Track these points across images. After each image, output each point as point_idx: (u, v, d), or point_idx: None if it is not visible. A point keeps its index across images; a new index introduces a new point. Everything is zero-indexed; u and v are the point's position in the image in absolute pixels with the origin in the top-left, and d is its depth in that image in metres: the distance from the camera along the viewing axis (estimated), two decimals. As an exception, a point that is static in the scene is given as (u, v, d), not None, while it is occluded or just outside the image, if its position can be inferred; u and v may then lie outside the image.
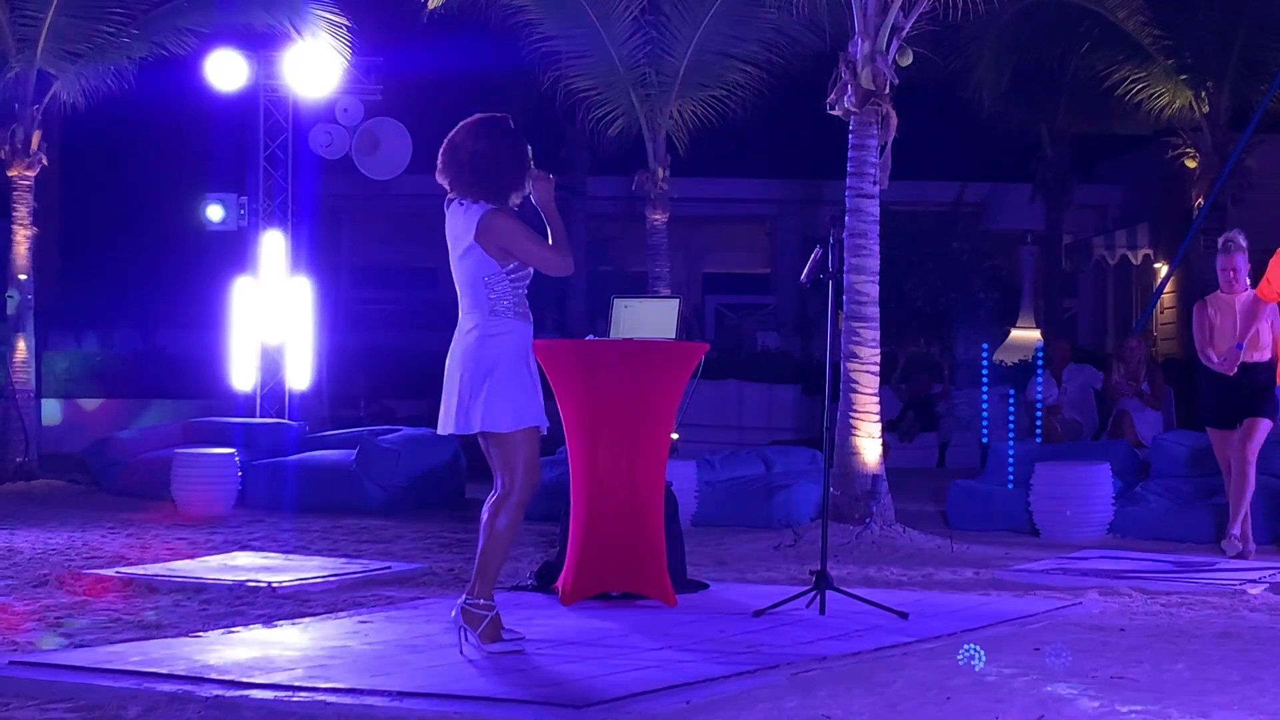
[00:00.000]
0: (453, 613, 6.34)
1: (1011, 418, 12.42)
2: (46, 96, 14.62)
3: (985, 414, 13.93)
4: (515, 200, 6.45)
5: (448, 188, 6.46)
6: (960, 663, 6.11)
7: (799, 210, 26.75)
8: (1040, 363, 13.03)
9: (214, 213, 15.76)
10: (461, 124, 6.49)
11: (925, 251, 21.25)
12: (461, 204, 6.40)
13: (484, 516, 6.43)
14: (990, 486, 11.64)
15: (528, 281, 6.45)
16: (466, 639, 6.27)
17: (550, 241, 6.43)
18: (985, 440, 13.64)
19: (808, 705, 5.38)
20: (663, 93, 14.83)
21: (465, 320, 6.41)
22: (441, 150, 6.47)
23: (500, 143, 6.41)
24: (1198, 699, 5.48)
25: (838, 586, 7.46)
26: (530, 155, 6.48)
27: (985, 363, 13.31)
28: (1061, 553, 9.68)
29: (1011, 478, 11.52)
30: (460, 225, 6.39)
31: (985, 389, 13.43)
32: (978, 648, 6.38)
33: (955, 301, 20.93)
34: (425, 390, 18.71)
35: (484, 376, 6.31)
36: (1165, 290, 21.71)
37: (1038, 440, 12.52)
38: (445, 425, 6.43)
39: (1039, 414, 12.96)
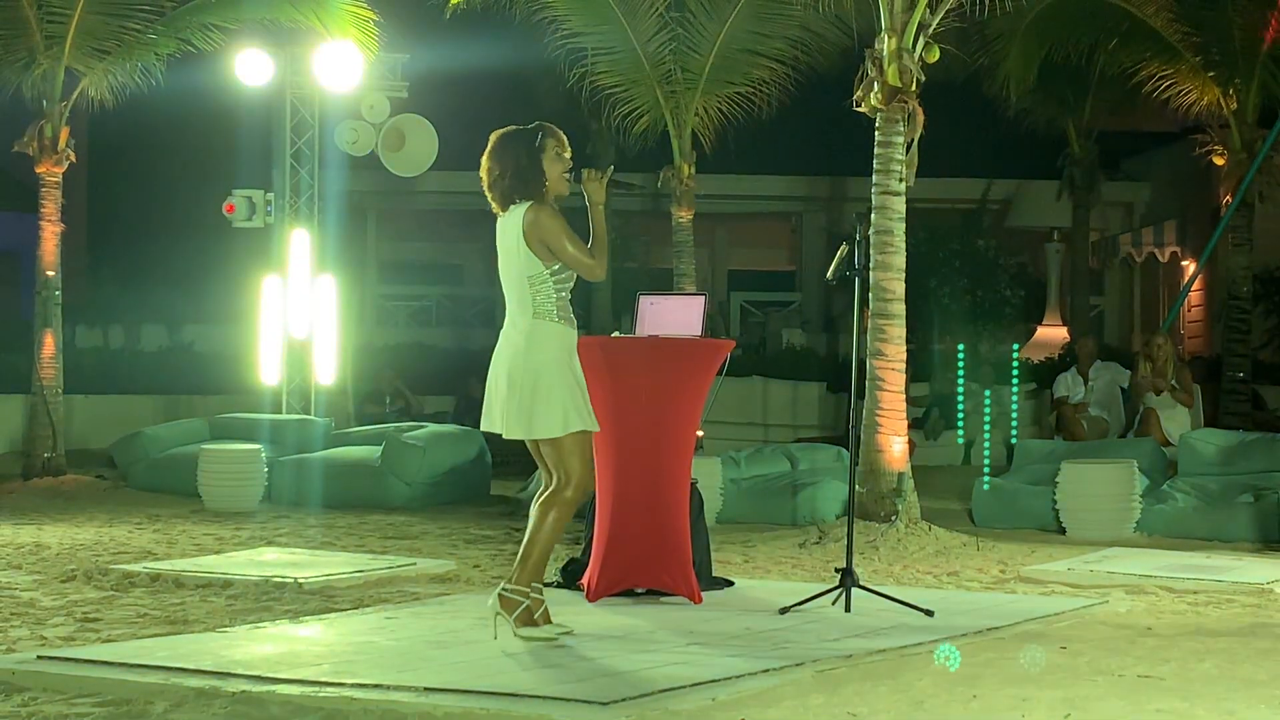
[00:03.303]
0: (489, 600, 6.48)
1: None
2: (74, 93, 14.64)
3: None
4: (552, 196, 6.56)
5: (493, 206, 6.66)
6: (986, 661, 6.10)
7: (824, 207, 26.71)
8: (1015, 366, 12.95)
9: (232, 209, 15.76)
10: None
11: (951, 249, 21.20)
12: (504, 213, 6.59)
13: (533, 510, 6.52)
14: (1016, 484, 11.61)
15: (572, 285, 6.56)
16: (499, 624, 6.41)
17: (590, 244, 6.54)
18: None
19: (833, 703, 5.37)
20: (688, 89, 14.82)
21: (511, 322, 6.53)
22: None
23: (511, 147, 6.57)
24: (1225, 698, 5.46)
25: (863, 584, 7.46)
26: (555, 149, 6.57)
27: (961, 364, 13.29)
28: (1088, 551, 9.65)
29: (987, 473, 11.53)
30: (507, 228, 6.55)
31: (960, 387, 13.41)
32: (1003, 646, 6.37)
33: (981, 299, 20.86)
34: (451, 387, 18.83)
35: (530, 382, 6.43)
36: (1193, 288, 21.62)
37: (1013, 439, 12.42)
38: (489, 424, 6.59)
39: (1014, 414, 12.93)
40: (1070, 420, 15.32)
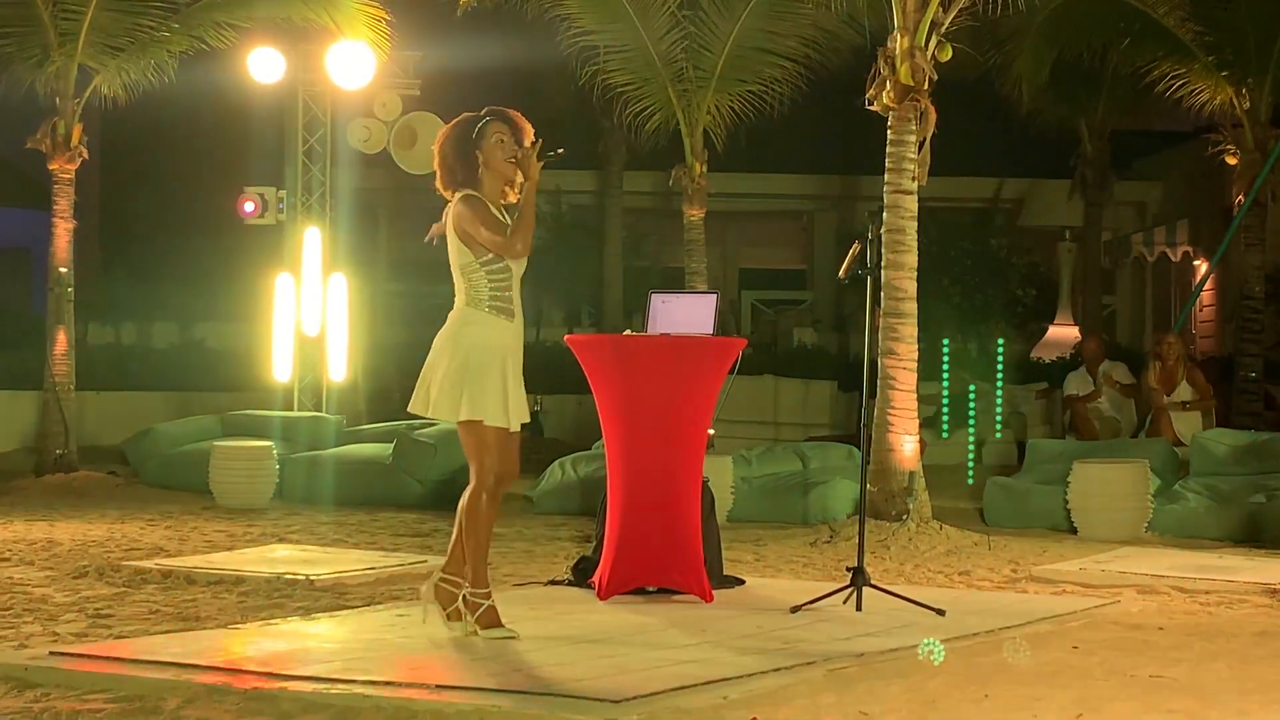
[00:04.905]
0: (458, 600, 6.55)
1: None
2: (87, 90, 14.67)
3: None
4: (502, 183, 6.54)
5: (443, 193, 6.71)
6: (997, 661, 6.09)
7: (836, 206, 26.70)
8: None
9: (256, 208, 15.78)
10: None
11: (963, 248, 21.18)
12: (450, 200, 6.64)
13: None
14: (1028, 484, 11.60)
15: (509, 276, 6.55)
16: (460, 620, 6.51)
17: (513, 225, 6.51)
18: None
19: (845, 702, 5.37)
20: (700, 88, 14.80)
21: (454, 307, 6.63)
22: None
23: (450, 135, 6.61)
24: (1238, 699, 5.45)
25: (875, 583, 7.45)
26: (497, 136, 6.53)
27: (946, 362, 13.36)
28: (1100, 551, 9.64)
29: (971, 470, 11.56)
30: (449, 216, 6.60)
31: (946, 382, 13.44)
32: (1015, 645, 6.36)
33: (993, 298, 20.84)
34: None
35: (441, 362, 6.51)
36: (1205, 288, 21.59)
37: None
38: (411, 403, 6.60)
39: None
40: (1082, 418, 15.30)
